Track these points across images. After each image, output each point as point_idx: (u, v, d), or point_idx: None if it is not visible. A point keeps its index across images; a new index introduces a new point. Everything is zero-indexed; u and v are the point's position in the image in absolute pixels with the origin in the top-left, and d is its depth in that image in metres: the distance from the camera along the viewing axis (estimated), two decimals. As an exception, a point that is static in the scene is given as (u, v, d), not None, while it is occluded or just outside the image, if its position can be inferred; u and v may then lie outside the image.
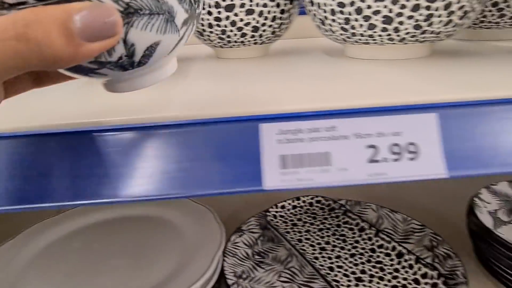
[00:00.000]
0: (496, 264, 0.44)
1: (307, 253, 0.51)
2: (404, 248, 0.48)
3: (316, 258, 0.50)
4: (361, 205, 0.61)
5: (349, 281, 0.46)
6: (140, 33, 0.18)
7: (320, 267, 0.48)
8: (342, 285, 0.45)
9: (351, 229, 0.55)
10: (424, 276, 0.44)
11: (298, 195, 0.65)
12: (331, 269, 0.48)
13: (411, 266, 0.46)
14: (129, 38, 0.18)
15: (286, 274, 0.48)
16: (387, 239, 0.50)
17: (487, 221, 0.47)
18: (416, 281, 0.44)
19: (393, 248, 0.49)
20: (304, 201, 0.64)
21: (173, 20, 0.19)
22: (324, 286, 0.44)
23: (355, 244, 0.52)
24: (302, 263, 0.49)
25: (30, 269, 0.45)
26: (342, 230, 0.55)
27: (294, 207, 0.64)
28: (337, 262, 0.49)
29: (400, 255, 0.48)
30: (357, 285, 0.45)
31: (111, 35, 0.16)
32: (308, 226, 0.57)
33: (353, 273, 0.47)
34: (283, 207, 0.63)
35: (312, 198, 0.64)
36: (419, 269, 0.45)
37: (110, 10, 0.16)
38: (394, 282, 0.45)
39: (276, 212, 0.63)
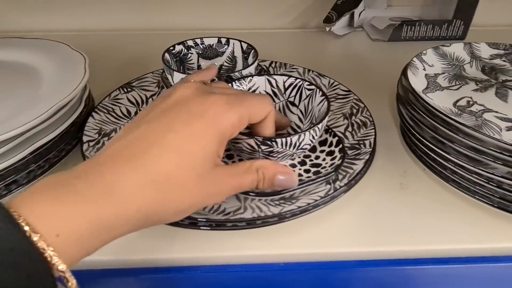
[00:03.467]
0: (417, 136, 0.38)
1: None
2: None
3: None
4: (287, 67, 0.52)
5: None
6: None
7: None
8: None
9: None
10: (323, 143, 0.39)
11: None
12: None
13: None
14: None
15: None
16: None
17: (419, 84, 0.41)
18: (312, 149, 0.38)
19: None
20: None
21: None
22: None
23: None
24: None
25: None
26: None
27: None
28: None
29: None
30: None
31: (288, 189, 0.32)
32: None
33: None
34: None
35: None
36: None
37: (295, 181, 0.30)
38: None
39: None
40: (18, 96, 0.41)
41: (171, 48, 0.45)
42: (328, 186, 0.34)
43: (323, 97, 0.37)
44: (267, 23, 0.72)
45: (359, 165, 0.36)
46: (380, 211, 0.35)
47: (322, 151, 0.38)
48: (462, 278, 0.34)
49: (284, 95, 0.40)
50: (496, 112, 0.37)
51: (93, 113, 0.43)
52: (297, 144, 0.32)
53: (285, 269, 0.32)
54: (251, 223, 0.31)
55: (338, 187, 0.34)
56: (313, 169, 0.36)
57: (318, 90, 0.38)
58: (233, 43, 0.47)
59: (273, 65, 0.53)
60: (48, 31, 0.70)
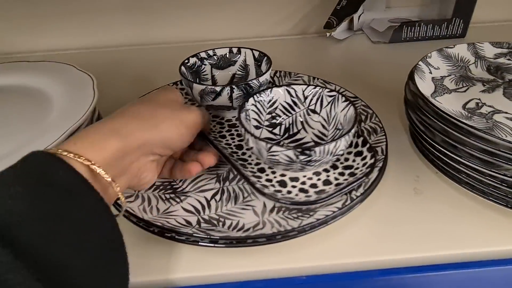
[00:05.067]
0: (428, 141, 0.39)
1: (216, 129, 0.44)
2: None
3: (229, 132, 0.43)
4: (291, 76, 0.52)
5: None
6: None
7: (227, 145, 0.41)
8: (249, 163, 0.38)
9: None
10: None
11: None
12: (240, 147, 0.41)
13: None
14: None
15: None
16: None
17: (427, 88, 0.41)
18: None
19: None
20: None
21: None
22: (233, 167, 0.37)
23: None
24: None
25: None
26: None
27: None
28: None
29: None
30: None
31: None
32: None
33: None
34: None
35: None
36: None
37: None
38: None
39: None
40: (29, 123, 0.41)
41: (186, 61, 0.46)
42: (345, 196, 0.34)
43: (347, 102, 0.38)
44: (267, 31, 0.72)
45: (373, 173, 0.36)
46: (397, 218, 0.35)
47: (349, 153, 0.38)
48: (480, 282, 0.35)
49: (304, 103, 0.41)
50: (506, 113, 0.38)
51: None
52: (334, 151, 0.33)
53: (308, 282, 0.32)
54: (271, 239, 0.31)
55: (354, 197, 0.34)
56: (347, 171, 0.36)
57: (340, 96, 0.39)
58: (245, 52, 0.48)
59: (277, 74, 0.53)
60: (51, 51, 0.70)
